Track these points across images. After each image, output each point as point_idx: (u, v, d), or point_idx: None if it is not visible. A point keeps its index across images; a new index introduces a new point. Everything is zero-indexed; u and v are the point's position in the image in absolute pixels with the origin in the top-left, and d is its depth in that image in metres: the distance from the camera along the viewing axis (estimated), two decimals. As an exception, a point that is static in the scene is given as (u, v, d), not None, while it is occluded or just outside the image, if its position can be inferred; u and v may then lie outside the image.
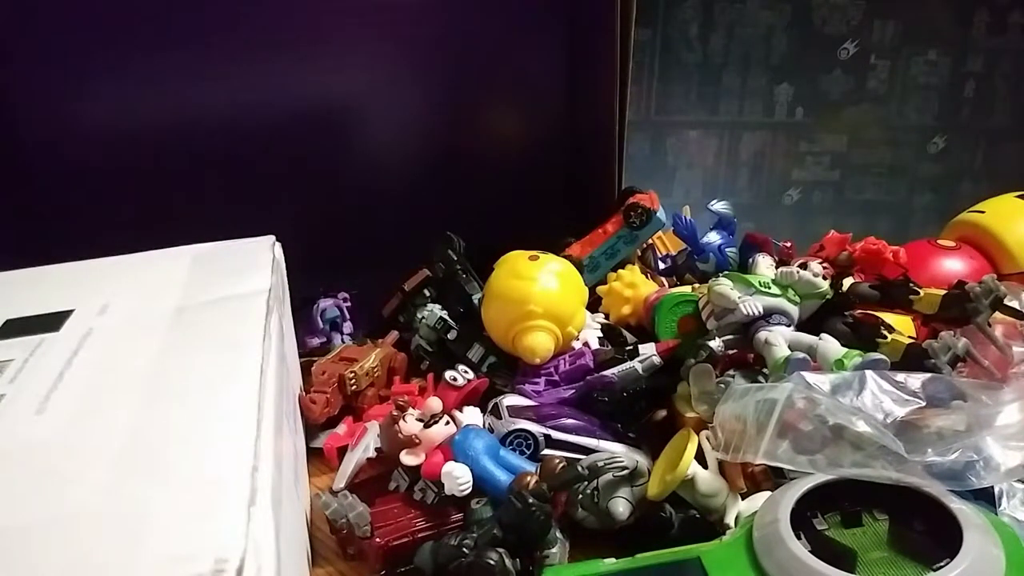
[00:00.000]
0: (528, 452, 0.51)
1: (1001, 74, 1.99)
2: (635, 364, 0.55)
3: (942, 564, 0.33)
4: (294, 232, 0.58)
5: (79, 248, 0.53)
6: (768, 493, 0.43)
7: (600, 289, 0.67)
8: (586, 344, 0.61)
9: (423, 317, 0.67)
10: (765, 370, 0.51)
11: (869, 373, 0.42)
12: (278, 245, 0.56)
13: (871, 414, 0.40)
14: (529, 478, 0.42)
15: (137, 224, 0.58)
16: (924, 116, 2.02)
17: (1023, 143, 2.06)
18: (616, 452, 0.49)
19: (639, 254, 0.76)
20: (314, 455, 0.57)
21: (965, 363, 0.48)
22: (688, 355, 0.52)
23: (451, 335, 0.65)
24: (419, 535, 0.45)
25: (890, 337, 0.50)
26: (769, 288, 0.53)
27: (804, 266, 0.56)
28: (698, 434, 0.45)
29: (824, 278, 0.55)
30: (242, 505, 0.28)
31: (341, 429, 0.59)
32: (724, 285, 0.54)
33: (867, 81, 1.97)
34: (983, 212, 0.76)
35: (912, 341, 0.49)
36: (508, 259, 0.62)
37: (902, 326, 0.56)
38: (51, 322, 0.43)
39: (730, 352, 0.53)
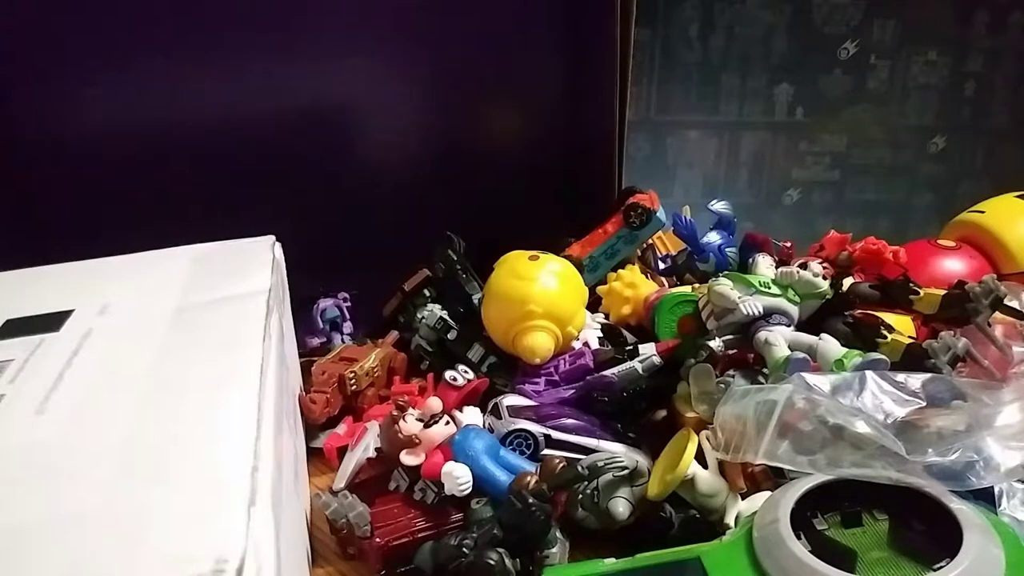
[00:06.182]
0: (528, 452, 0.51)
1: (1001, 74, 1.99)
2: (635, 364, 0.55)
3: (942, 564, 0.33)
4: (294, 232, 0.58)
5: (79, 248, 0.53)
6: (768, 493, 0.43)
7: (600, 289, 0.67)
8: (586, 344, 0.61)
9: (423, 317, 0.67)
10: (765, 370, 0.50)
11: (869, 373, 0.42)
12: (278, 245, 0.56)
13: (871, 414, 0.40)
14: (529, 478, 0.42)
15: (137, 224, 0.58)
16: (924, 116, 2.02)
17: (1023, 143, 2.06)
18: (616, 452, 0.49)
19: (639, 254, 0.76)
20: (314, 455, 0.57)
21: (965, 363, 0.48)
22: (688, 355, 0.52)
23: (451, 335, 0.65)
24: (419, 535, 0.45)
25: (890, 337, 0.50)
26: (769, 288, 0.53)
27: (804, 266, 0.56)
28: (698, 434, 0.45)
29: (824, 278, 0.55)
30: (242, 505, 0.28)
31: (341, 429, 0.59)
32: (724, 285, 0.54)
33: (867, 81, 1.97)
34: (983, 212, 0.76)
35: (912, 341, 0.49)
36: (508, 259, 0.62)
37: (902, 326, 0.56)
38: (51, 322, 0.43)
39: (730, 352, 0.53)
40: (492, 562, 0.39)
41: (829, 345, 0.49)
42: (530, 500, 0.41)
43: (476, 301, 0.66)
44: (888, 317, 0.54)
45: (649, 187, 0.76)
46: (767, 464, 0.42)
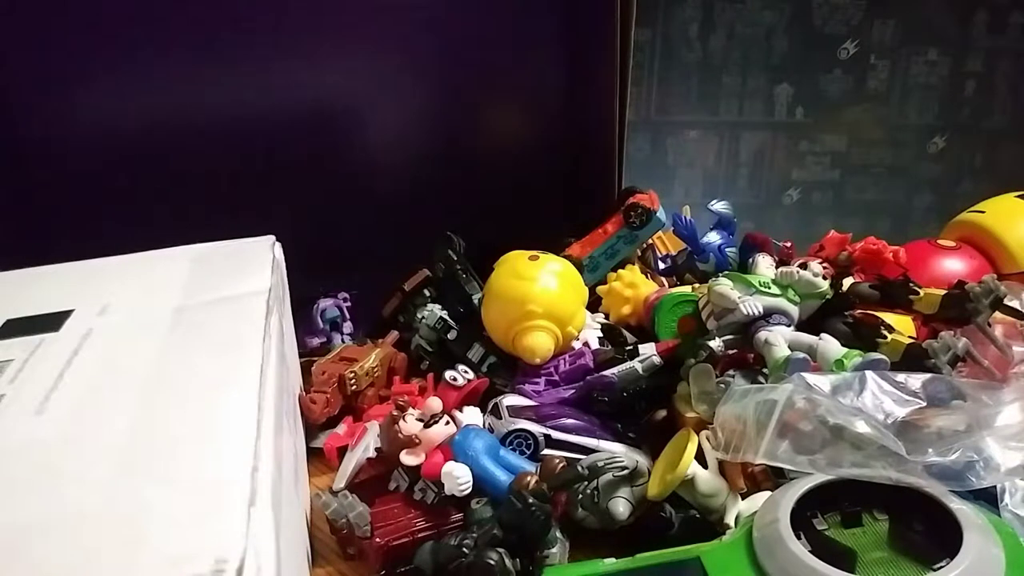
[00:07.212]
0: (528, 452, 0.51)
1: (1001, 74, 1.99)
2: (635, 364, 0.55)
3: (942, 564, 0.33)
4: (294, 232, 0.58)
5: (79, 248, 0.53)
6: (768, 493, 0.43)
7: (600, 289, 0.67)
8: (586, 344, 0.61)
9: (423, 317, 0.67)
10: (765, 370, 0.50)
11: (869, 373, 0.42)
12: (278, 245, 0.56)
13: (871, 414, 0.40)
14: (529, 478, 0.42)
15: (137, 224, 0.58)
16: (924, 116, 2.02)
17: (1023, 143, 2.06)
18: (616, 452, 0.49)
19: (639, 254, 0.76)
20: (314, 455, 0.57)
21: (965, 363, 0.48)
22: (688, 355, 0.52)
23: (451, 335, 0.65)
24: (419, 535, 0.45)
25: (890, 337, 0.50)
26: (769, 288, 0.53)
27: (804, 266, 0.56)
28: (698, 434, 0.45)
29: (824, 278, 0.55)
30: (242, 505, 0.28)
31: (341, 429, 0.59)
32: (724, 285, 0.54)
33: (867, 81, 1.97)
34: (983, 212, 0.76)
35: (912, 341, 0.49)
36: (508, 259, 0.62)
37: (902, 326, 0.56)
38: (51, 322, 0.43)
39: (730, 352, 0.53)
40: (492, 562, 0.39)
41: (829, 345, 0.49)
42: (530, 500, 0.40)
43: (476, 301, 0.66)
44: (888, 317, 0.54)
45: (649, 187, 0.76)
46: (767, 464, 0.42)
